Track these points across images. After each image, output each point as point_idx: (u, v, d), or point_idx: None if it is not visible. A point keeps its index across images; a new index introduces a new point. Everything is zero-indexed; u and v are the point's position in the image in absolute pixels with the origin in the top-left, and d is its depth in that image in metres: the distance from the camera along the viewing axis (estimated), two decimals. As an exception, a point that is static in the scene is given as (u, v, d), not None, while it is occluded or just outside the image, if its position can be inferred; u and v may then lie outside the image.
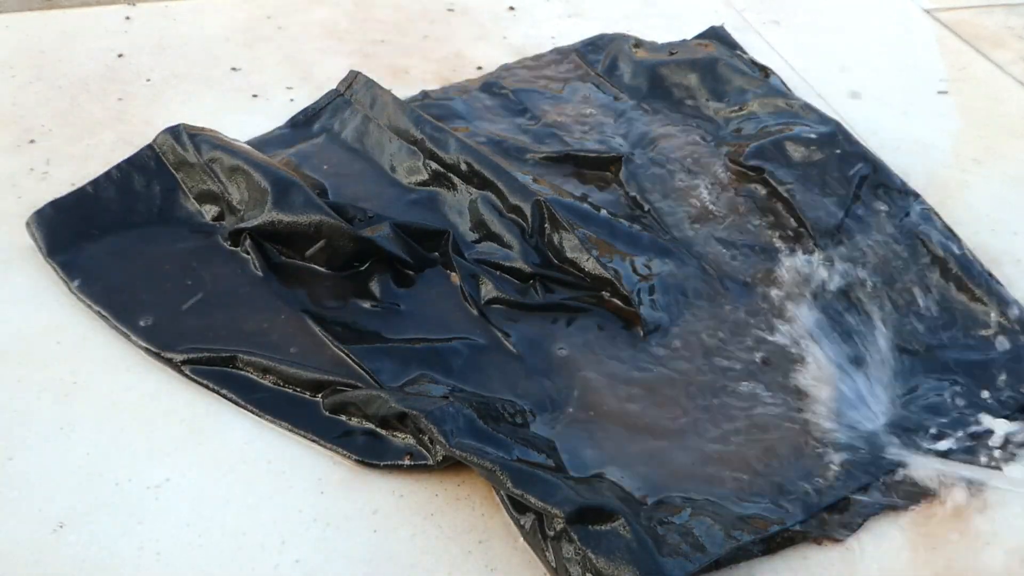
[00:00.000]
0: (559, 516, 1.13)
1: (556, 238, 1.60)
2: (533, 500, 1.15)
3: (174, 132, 1.70)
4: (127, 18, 2.28)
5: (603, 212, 1.70)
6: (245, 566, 1.14)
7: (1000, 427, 1.36)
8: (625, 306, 1.51)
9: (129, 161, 1.70)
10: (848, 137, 1.88)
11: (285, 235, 1.56)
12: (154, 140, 1.72)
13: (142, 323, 1.44)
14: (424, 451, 1.26)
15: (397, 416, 1.27)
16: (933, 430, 1.36)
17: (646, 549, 1.13)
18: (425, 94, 2.06)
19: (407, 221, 1.62)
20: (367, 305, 1.50)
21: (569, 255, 1.58)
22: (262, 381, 1.37)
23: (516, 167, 1.79)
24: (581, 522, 1.14)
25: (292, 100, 2.00)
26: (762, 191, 1.79)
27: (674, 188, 1.82)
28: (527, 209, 1.64)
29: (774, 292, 1.58)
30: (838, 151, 1.84)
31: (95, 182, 1.66)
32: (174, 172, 1.69)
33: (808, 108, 1.99)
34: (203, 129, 1.73)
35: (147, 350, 1.40)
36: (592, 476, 1.25)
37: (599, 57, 2.22)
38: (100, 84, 2.02)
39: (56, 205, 1.61)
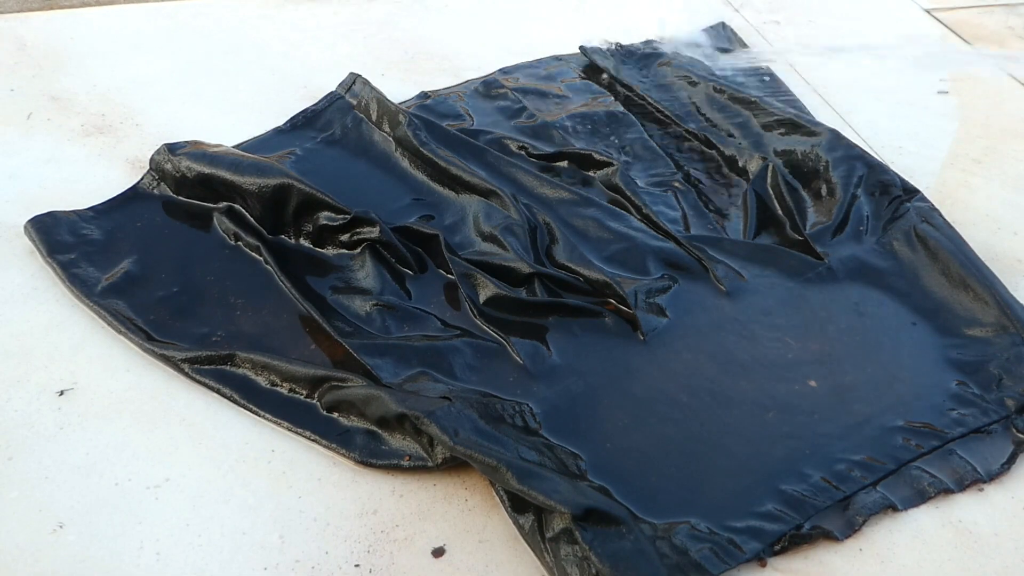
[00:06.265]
0: (565, 514, 1.13)
1: (555, 247, 1.62)
2: (537, 496, 1.16)
3: (165, 150, 1.71)
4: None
5: (600, 215, 1.71)
6: (244, 566, 1.14)
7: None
8: (624, 308, 1.51)
9: (133, 188, 1.71)
10: (845, 140, 1.89)
11: (262, 204, 1.60)
12: (150, 162, 1.73)
13: (141, 322, 1.44)
14: (423, 453, 1.26)
15: (396, 417, 1.27)
16: (934, 429, 1.36)
17: (647, 557, 1.13)
18: (425, 94, 2.06)
19: (401, 223, 1.63)
20: (368, 303, 1.50)
21: (567, 260, 1.58)
22: (261, 380, 1.37)
23: (514, 167, 1.80)
24: (586, 523, 1.14)
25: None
26: (762, 194, 1.80)
27: (670, 190, 1.82)
28: (526, 219, 1.64)
29: (775, 293, 1.59)
30: (836, 154, 1.85)
31: (94, 208, 1.66)
32: (168, 187, 1.70)
33: (804, 114, 2.00)
34: (187, 143, 1.74)
35: (147, 349, 1.40)
36: (593, 483, 1.25)
37: (598, 61, 2.22)
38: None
39: (54, 216, 1.62)
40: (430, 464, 1.25)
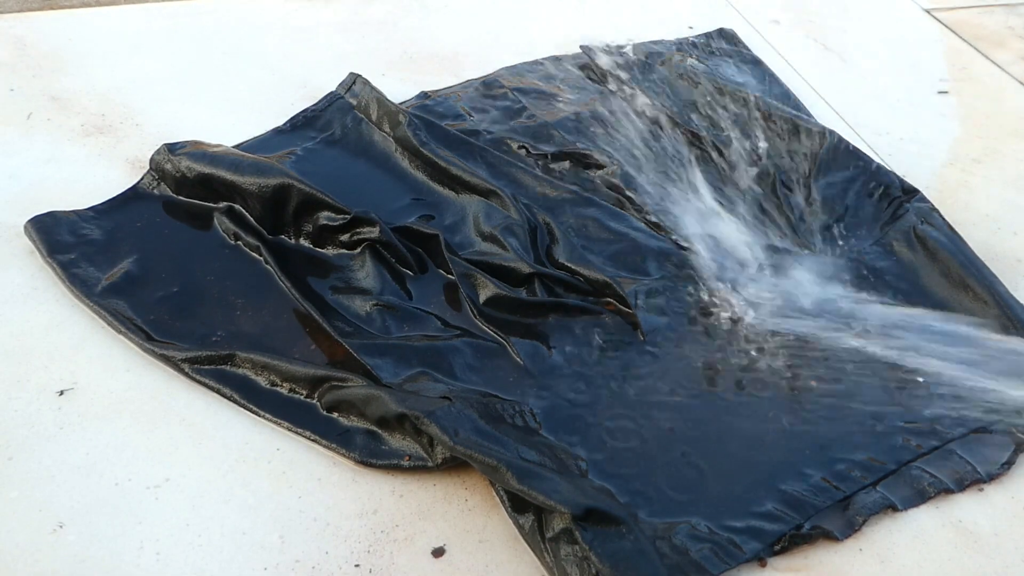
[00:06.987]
0: (565, 514, 1.13)
1: (555, 247, 1.62)
2: (537, 496, 1.16)
3: (165, 150, 1.70)
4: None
5: (600, 215, 1.71)
6: (244, 566, 1.14)
7: None
8: (624, 308, 1.51)
9: (133, 188, 1.71)
10: (845, 140, 1.89)
11: (262, 204, 1.59)
12: (150, 162, 1.73)
13: (141, 322, 1.44)
14: (423, 453, 1.26)
15: (396, 417, 1.27)
16: (934, 429, 1.36)
17: (647, 557, 1.13)
18: (425, 94, 2.06)
19: (401, 223, 1.62)
20: (368, 303, 1.50)
21: (567, 260, 1.58)
22: (261, 380, 1.37)
23: (514, 167, 1.80)
24: (586, 523, 1.14)
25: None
26: (762, 194, 1.80)
27: (672, 190, 1.82)
28: (526, 219, 1.64)
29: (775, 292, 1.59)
30: (835, 154, 1.84)
31: (94, 208, 1.66)
32: (168, 187, 1.69)
33: (804, 114, 2.00)
34: (187, 143, 1.74)
35: (147, 349, 1.40)
36: (593, 483, 1.25)
37: (599, 61, 2.22)
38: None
39: (54, 216, 1.62)
40: (430, 464, 1.25)
